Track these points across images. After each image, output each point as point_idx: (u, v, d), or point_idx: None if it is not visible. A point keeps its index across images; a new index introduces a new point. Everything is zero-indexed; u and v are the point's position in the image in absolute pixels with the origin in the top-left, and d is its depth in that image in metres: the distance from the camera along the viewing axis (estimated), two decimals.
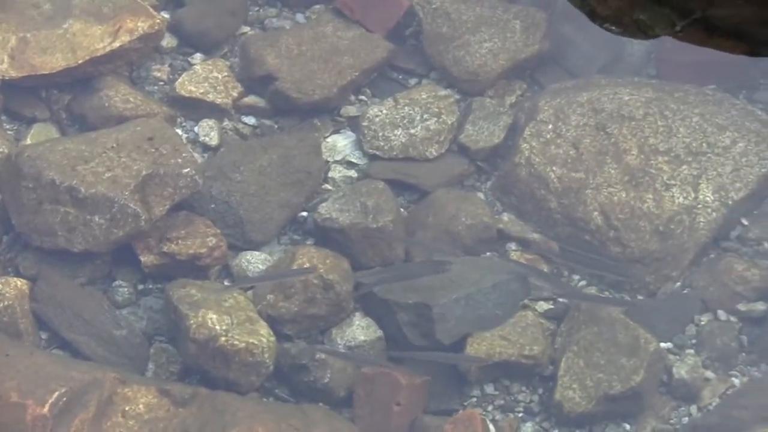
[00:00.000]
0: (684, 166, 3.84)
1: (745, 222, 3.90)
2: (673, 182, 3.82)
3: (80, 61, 3.89)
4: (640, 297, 3.75)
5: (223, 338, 3.44)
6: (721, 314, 3.74)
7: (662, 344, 3.65)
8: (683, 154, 3.86)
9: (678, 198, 3.79)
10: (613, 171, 3.82)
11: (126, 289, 3.64)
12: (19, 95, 3.93)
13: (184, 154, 3.68)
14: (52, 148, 3.65)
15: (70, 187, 3.54)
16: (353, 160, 3.95)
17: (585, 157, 3.85)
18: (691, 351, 3.69)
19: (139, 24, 3.95)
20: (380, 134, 3.95)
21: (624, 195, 3.78)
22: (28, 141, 3.85)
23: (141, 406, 3.37)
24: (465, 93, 4.09)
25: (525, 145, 3.89)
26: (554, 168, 3.84)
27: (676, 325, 3.72)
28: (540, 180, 3.83)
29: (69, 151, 3.63)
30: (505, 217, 3.85)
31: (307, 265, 3.58)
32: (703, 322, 3.73)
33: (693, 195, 3.80)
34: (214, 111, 3.99)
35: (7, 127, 3.91)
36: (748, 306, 3.73)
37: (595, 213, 3.77)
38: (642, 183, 3.80)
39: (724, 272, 3.76)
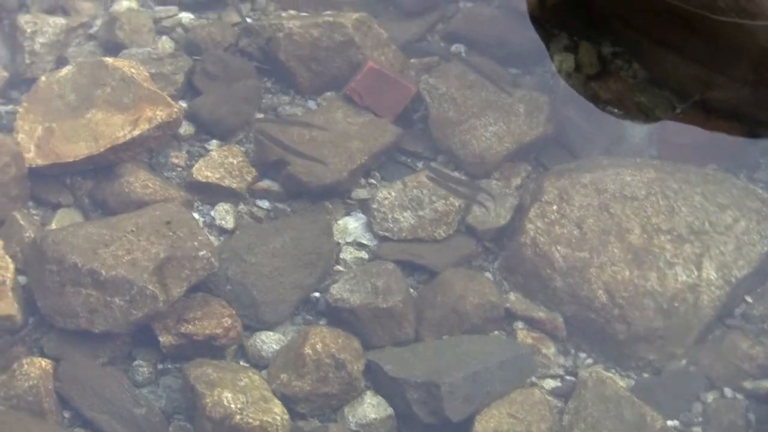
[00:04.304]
0: (687, 245, 3.88)
1: (749, 299, 3.94)
2: (676, 261, 3.86)
3: (102, 149, 3.97)
4: (645, 375, 3.77)
5: (238, 416, 3.48)
6: (728, 392, 3.76)
7: (669, 422, 3.67)
8: (686, 233, 3.90)
9: (681, 276, 3.83)
10: (616, 250, 3.86)
11: (145, 369, 3.68)
12: (45, 182, 4.01)
13: (200, 238, 3.76)
14: (75, 232, 3.72)
15: (91, 270, 3.61)
16: (364, 241, 4.01)
17: (589, 236, 3.89)
18: (698, 429, 3.71)
19: (157, 113, 4.05)
20: (390, 216, 4.02)
21: (628, 273, 3.82)
22: (53, 226, 3.91)
23: None
24: (471, 175, 4.16)
25: (530, 225, 3.94)
26: (559, 247, 3.88)
27: (682, 402, 3.74)
28: (545, 259, 3.87)
29: (91, 235, 3.70)
30: (512, 296, 3.90)
31: (319, 345, 3.64)
32: (709, 400, 3.75)
33: (696, 273, 3.84)
34: (230, 195, 4.06)
35: (34, 212, 3.98)
36: (755, 383, 3.76)
37: (600, 291, 3.81)
38: (645, 262, 3.84)
39: (730, 350, 3.79)
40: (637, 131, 4.26)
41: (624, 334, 3.78)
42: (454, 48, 4.53)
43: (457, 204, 4.05)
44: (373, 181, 4.15)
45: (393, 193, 4.06)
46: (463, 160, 4.16)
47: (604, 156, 4.20)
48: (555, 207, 3.96)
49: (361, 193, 4.11)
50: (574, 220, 3.93)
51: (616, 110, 4.26)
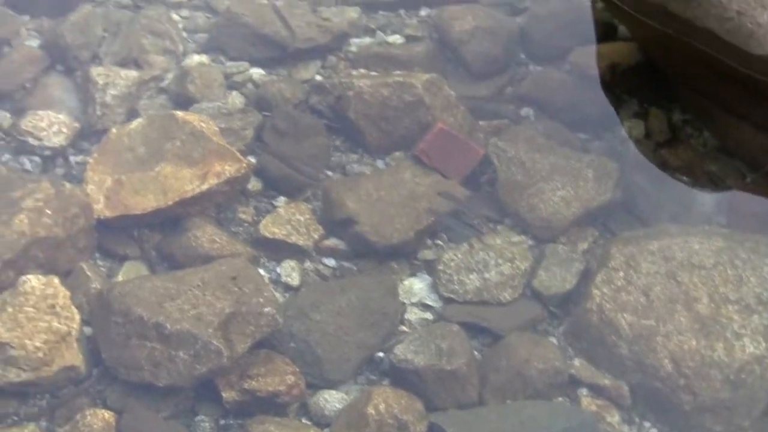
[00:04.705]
0: (755, 316, 3.83)
1: None
2: (744, 331, 3.81)
3: (170, 203, 4.00)
4: None
5: None
6: None
7: None
8: (754, 304, 3.86)
9: (749, 347, 3.78)
10: (683, 319, 3.82)
11: (208, 424, 3.66)
12: (113, 234, 4.03)
13: (265, 294, 3.76)
14: (142, 285, 3.73)
15: (157, 323, 3.62)
16: (429, 302, 3.99)
17: (656, 304, 3.85)
18: None
19: (226, 168, 4.07)
20: (455, 278, 4.01)
21: (694, 343, 3.78)
22: (120, 278, 3.93)
23: None
24: (538, 239, 4.14)
25: (596, 291, 3.90)
26: (625, 315, 3.84)
27: None
28: (611, 326, 3.83)
29: (157, 289, 3.71)
30: (577, 362, 3.86)
31: (382, 406, 3.60)
32: None
33: (764, 345, 3.79)
34: (296, 252, 4.06)
35: (101, 264, 4.00)
36: None
37: (666, 360, 3.76)
38: (713, 332, 3.80)
39: None
40: (707, 199, 4.24)
41: (690, 405, 3.73)
42: (523, 111, 4.53)
43: (522, 267, 4.03)
44: (439, 242, 4.14)
45: (459, 255, 4.05)
46: (531, 223, 4.15)
47: (673, 223, 4.16)
48: (622, 273, 3.93)
49: (427, 254, 4.10)
50: (641, 288, 3.90)
51: (685, 178, 4.25)
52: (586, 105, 4.48)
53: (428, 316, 3.97)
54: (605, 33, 4.67)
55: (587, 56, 4.58)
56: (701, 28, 4.01)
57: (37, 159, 4.28)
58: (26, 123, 4.31)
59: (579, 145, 4.39)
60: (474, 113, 4.45)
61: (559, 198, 4.18)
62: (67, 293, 3.76)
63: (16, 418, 3.65)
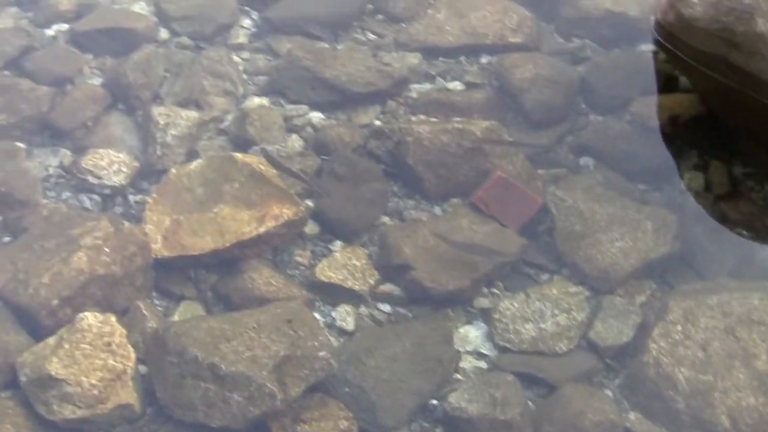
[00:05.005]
0: None
1: None
2: None
3: (228, 244, 4.01)
4: None
5: None
6: None
7: None
8: None
9: None
10: (741, 375, 3.78)
11: None
12: (170, 274, 4.05)
13: (320, 338, 3.75)
14: (197, 325, 3.75)
15: (212, 364, 3.62)
16: (484, 351, 3.97)
17: (714, 359, 3.81)
18: None
19: (284, 211, 4.08)
20: (511, 327, 3.99)
21: (753, 400, 3.73)
22: (176, 318, 3.95)
23: None
24: (595, 290, 4.11)
25: (653, 345, 3.87)
26: (682, 369, 3.80)
27: None
28: (668, 380, 3.80)
29: (213, 330, 3.72)
30: (632, 415, 3.81)
31: None
32: None
33: None
34: (352, 297, 4.06)
35: (157, 303, 4.02)
36: None
37: (723, 417, 3.72)
38: None
39: None
40: (767, 254, 4.20)
41: None
42: (582, 160, 4.52)
43: (579, 319, 4.01)
44: (495, 290, 4.12)
45: (515, 304, 4.04)
46: (588, 274, 4.12)
47: (732, 278, 4.13)
48: (680, 327, 3.89)
49: (483, 302, 4.08)
50: (699, 342, 3.86)
51: (745, 232, 4.22)
52: (646, 156, 4.46)
53: (483, 364, 3.95)
54: (666, 84, 4.66)
55: (648, 107, 4.57)
56: (764, 81, 3.99)
57: (96, 197, 4.31)
58: (87, 161, 4.35)
59: (638, 196, 4.37)
60: (533, 161, 4.45)
61: (617, 249, 4.15)
62: (124, 331, 3.78)
63: None
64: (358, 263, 4.12)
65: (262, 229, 4.05)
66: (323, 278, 4.07)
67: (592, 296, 4.11)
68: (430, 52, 4.88)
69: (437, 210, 4.34)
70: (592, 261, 4.14)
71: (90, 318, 3.76)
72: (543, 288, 4.09)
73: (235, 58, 4.84)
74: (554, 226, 4.23)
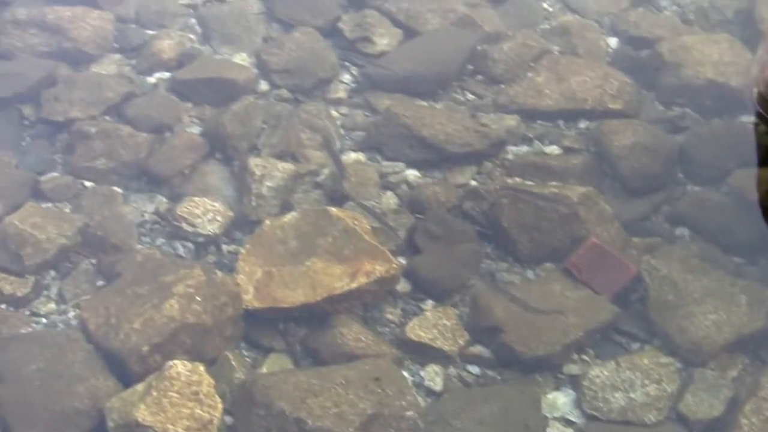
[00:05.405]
0: None
1: None
2: None
3: (319, 298, 4.01)
4: None
5: None
6: None
7: None
8: None
9: None
10: None
11: None
12: (259, 325, 4.06)
13: (408, 397, 3.75)
14: (285, 379, 3.75)
15: (298, 419, 3.62)
16: (571, 418, 3.93)
17: None
18: None
19: (376, 267, 4.08)
20: (600, 395, 3.94)
21: None
22: (264, 370, 3.95)
23: None
24: (686, 362, 4.06)
25: (745, 420, 3.81)
26: None
27: None
28: None
29: (300, 384, 3.72)
30: None
31: None
32: None
33: None
34: (441, 357, 4.03)
35: (246, 354, 4.03)
36: None
37: None
38: None
39: None
40: None
41: None
42: (678, 231, 4.48)
43: (669, 390, 3.95)
44: (585, 357, 4.08)
45: (605, 372, 3.99)
46: (680, 345, 4.07)
47: None
48: None
49: (572, 369, 4.05)
50: None
51: None
52: (743, 229, 4.40)
53: (570, 431, 3.91)
54: (767, 157, 4.60)
55: (747, 179, 4.52)
56: None
57: (190, 245, 4.35)
58: (182, 209, 4.39)
59: (733, 269, 4.31)
60: (628, 229, 4.41)
61: (710, 322, 4.10)
62: (212, 381, 3.78)
63: None
64: (448, 323, 4.11)
65: (354, 285, 4.05)
66: (413, 337, 4.05)
67: (683, 368, 4.05)
68: (529, 115, 4.87)
69: (530, 274, 4.32)
70: (685, 332, 4.08)
71: (179, 366, 3.77)
72: (634, 357, 4.04)
73: (333, 113, 4.87)
74: (647, 296, 4.19)
